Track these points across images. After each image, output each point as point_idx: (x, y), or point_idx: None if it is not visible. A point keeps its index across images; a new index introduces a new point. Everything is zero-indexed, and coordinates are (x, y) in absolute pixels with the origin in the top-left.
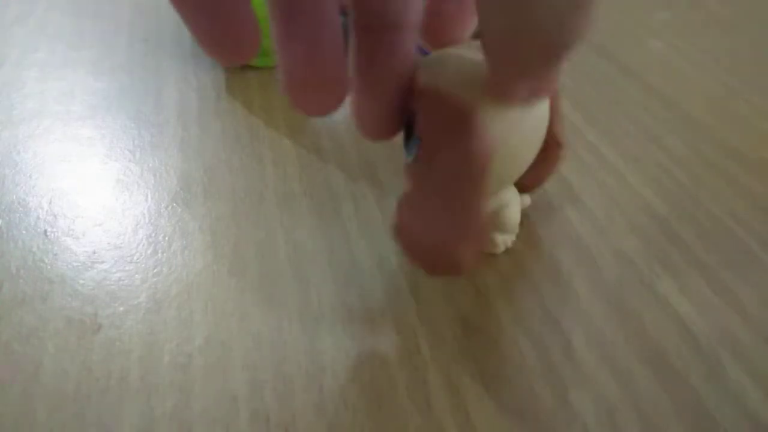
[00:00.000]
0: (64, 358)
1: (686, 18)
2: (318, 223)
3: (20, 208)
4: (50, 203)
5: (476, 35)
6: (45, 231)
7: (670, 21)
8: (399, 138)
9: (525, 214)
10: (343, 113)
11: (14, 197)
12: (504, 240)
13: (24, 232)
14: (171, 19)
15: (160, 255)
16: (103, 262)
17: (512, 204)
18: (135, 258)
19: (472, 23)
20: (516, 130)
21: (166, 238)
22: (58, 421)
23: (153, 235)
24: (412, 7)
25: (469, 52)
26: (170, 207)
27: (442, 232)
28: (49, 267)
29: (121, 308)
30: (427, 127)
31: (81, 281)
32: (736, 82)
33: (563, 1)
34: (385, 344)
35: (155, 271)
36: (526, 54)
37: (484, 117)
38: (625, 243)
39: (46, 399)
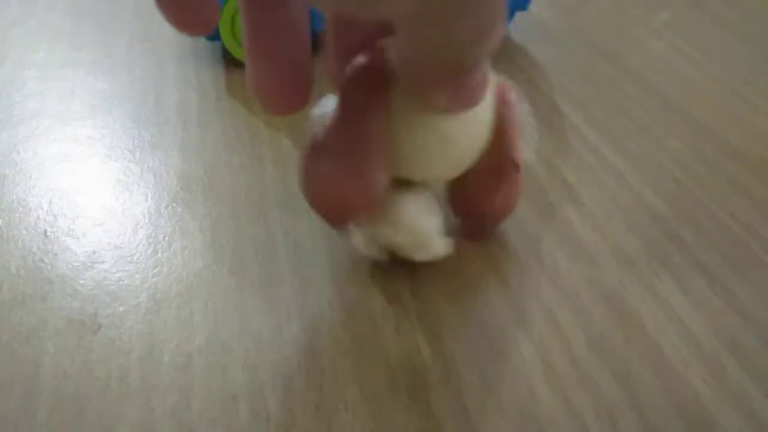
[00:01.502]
0: (64, 358)
1: (687, 18)
2: (318, 223)
3: (20, 208)
4: (50, 203)
5: None
6: (45, 231)
7: (670, 21)
8: None
9: (525, 213)
10: None
11: (14, 197)
12: (388, 238)
13: (24, 232)
14: None
15: (160, 255)
16: (103, 262)
17: (411, 204)
18: (135, 258)
19: None
20: (449, 124)
21: (166, 238)
22: (58, 421)
23: (153, 235)
24: None
25: None
26: (170, 207)
27: (343, 157)
28: (49, 267)
29: (121, 308)
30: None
31: (81, 281)
32: (736, 82)
33: (482, 20)
34: (385, 344)
35: (155, 271)
36: (441, 68)
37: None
38: (625, 243)
39: (46, 399)
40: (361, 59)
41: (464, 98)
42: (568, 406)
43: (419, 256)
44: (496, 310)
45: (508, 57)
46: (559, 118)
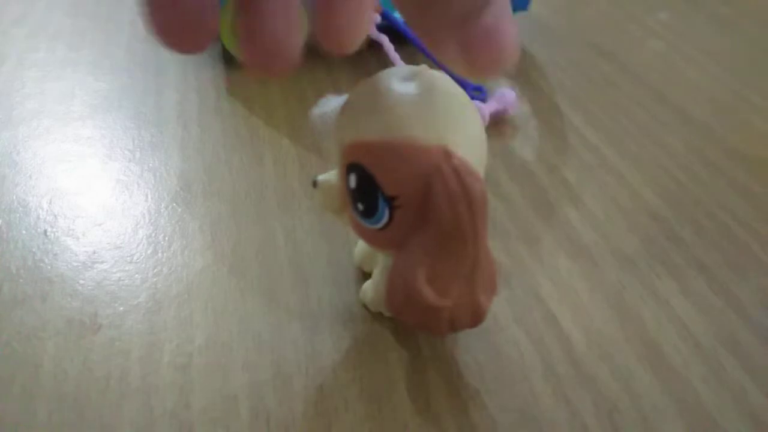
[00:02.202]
0: (64, 358)
1: (686, 18)
2: (318, 223)
3: (20, 208)
4: (50, 203)
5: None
6: (45, 231)
7: (669, 21)
8: None
9: (525, 213)
10: None
11: (14, 197)
12: None
13: (24, 232)
14: None
15: (160, 255)
16: (103, 262)
17: None
18: (135, 258)
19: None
20: (479, 154)
21: (166, 238)
22: (58, 421)
23: (153, 235)
24: None
25: (391, 83)
26: (170, 207)
27: (458, 287)
28: (49, 267)
29: (121, 308)
30: (399, 185)
31: (81, 281)
32: (736, 82)
33: None
34: (385, 344)
35: (155, 271)
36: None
37: (462, 154)
38: (625, 243)
39: (46, 399)
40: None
41: (481, 46)
42: (568, 405)
43: None
44: (496, 310)
45: None
46: (559, 119)
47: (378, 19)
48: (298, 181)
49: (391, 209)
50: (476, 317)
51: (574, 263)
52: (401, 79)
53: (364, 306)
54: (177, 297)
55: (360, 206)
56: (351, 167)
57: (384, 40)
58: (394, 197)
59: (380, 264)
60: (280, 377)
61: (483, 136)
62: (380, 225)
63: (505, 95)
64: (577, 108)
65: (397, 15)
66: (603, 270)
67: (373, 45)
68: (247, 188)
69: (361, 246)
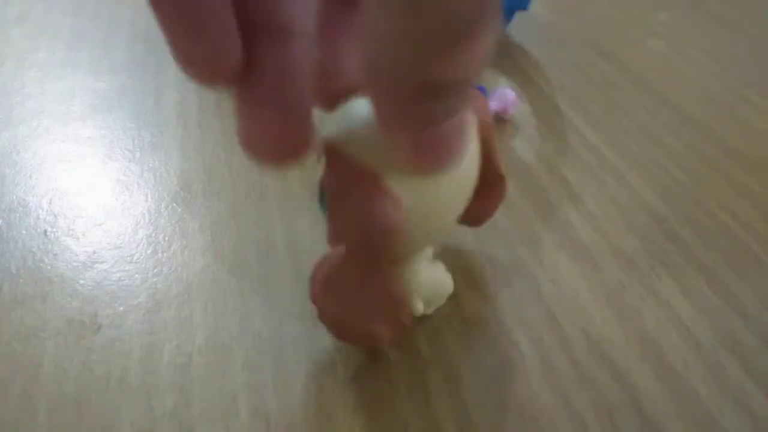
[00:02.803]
0: (64, 358)
1: (686, 18)
2: (318, 223)
3: (20, 208)
4: (50, 203)
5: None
6: (45, 231)
7: (670, 21)
8: None
9: (525, 213)
10: None
11: (14, 197)
12: (417, 307)
13: (24, 232)
14: None
15: (160, 255)
16: (103, 262)
17: (424, 272)
18: (135, 258)
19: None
20: (430, 190)
21: (166, 238)
22: (58, 421)
23: (153, 235)
24: (305, 12)
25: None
26: (170, 207)
27: (351, 305)
28: (49, 267)
29: (121, 308)
30: (332, 187)
31: (81, 281)
32: (736, 82)
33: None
34: (385, 345)
35: (155, 271)
36: (410, 88)
37: (391, 182)
38: (625, 243)
39: (46, 399)
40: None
41: (435, 149)
42: (568, 406)
43: (438, 304)
44: (497, 310)
45: (508, 57)
46: (559, 118)
47: None
48: (299, 181)
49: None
50: (368, 338)
51: (574, 263)
52: None
53: None
54: (177, 297)
55: (318, 196)
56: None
57: None
58: (323, 190)
59: None
60: (280, 377)
61: (453, 190)
62: (325, 218)
63: (505, 95)
64: (577, 108)
65: None
66: (603, 270)
67: None
68: (247, 188)
69: None
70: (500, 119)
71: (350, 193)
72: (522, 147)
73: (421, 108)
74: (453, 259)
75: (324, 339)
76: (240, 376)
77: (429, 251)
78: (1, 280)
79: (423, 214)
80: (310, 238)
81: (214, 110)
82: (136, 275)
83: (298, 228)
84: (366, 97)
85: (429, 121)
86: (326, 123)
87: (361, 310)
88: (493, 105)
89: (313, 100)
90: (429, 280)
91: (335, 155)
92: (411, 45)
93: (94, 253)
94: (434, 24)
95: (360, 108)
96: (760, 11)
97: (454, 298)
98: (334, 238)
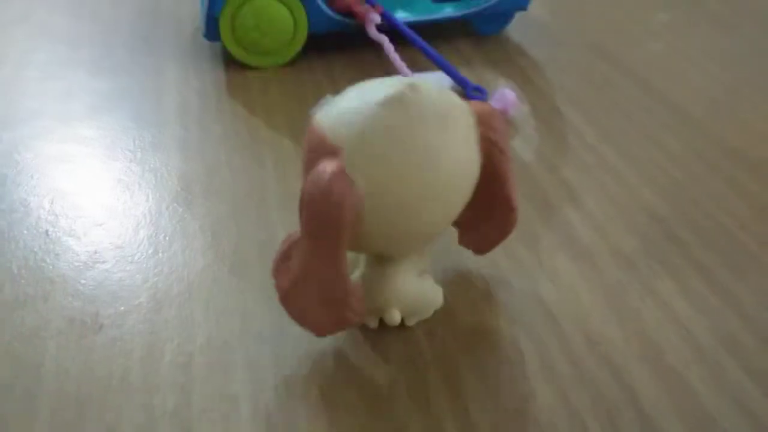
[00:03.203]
0: (66, 358)
1: (686, 18)
2: None
3: (21, 208)
4: (51, 203)
5: None
6: (46, 231)
7: (670, 21)
8: None
9: (525, 213)
10: None
11: (15, 197)
12: (392, 316)
13: (25, 232)
14: (171, 19)
15: (161, 255)
16: (104, 262)
17: (409, 282)
18: (136, 258)
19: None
20: (398, 179)
21: (167, 238)
22: (60, 421)
23: (154, 235)
24: None
25: (367, 94)
26: (171, 207)
27: (302, 283)
28: (50, 267)
29: (123, 308)
30: (303, 160)
31: (82, 281)
32: (735, 82)
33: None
34: (385, 344)
35: (156, 270)
36: None
37: (349, 156)
38: (625, 243)
39: (48, 398)
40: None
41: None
42: (568, 406)
43: (422, 316)
44: (496, 310)
45: (508, 57)
46: (559, 119)
47: (378, 19)
48: (299, 181)
49: None
50: (308, 325)
51: (574, 263)
52: (380, 98)
53: None
54: (178, 296)
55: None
56: None
57: (384, 40)
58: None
59: (359, 272)
60: (281, 377)
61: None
62: None
63: (505, 95)
64: (576, 108)
65: (397, 15)
66: (602, 270)
67: (373, 45)
68: (247, 189)
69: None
70: None
71: (312, 164)
72: (521, 147)
73: None
74: (453, 258)
75: (324, 339)
76: (241, 376)
77: (422, 263)
78: (2, 280)
79: (393, 209)
80: None
81: (215, 111)
82: (137, 275)
83: (298, 228)
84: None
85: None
86: (327, 102)
87: (305, 290)
88: (493, 105)
89: None
90: (413, 291)
91: (312, 127)
92: None
93: (96, 253)
94: None
95: (356, 95)
96: (760, 11)
97: (454, 298)
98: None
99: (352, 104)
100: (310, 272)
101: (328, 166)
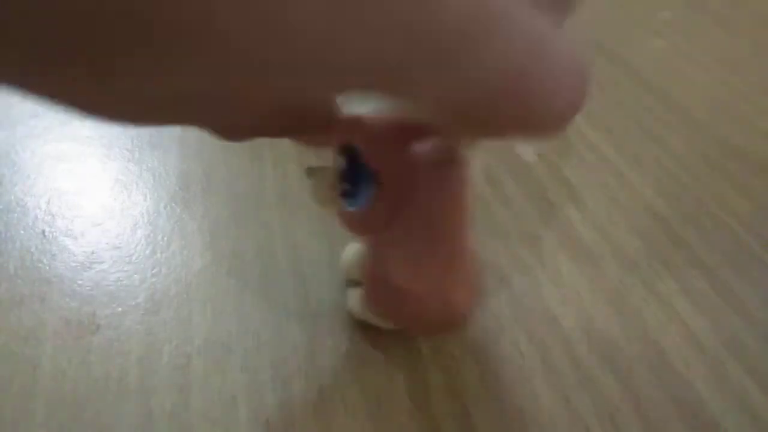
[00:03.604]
0: (63, 359)
1: (688, 17)
2: (318, 223)
3: (18, 208)
4: (48, 203)
5: None
6: (43, 231)
7: (671, 20)
8: None
9: (526, 213)
10: None
11: (12, 197)
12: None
13: (22, 232)
14: None
15: (158, 255)
16: (101, 263)
17: None
18: (134, 258)
19: None
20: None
21: (165, 238)
22: (57, 422)
23: (152, 235)
24: None
25: None
26: (169, 207)
27: (435, 277)
28: (47, 267)
29: (120, 309)
30: (385, 163)
31: (79, 281)
32: (737, 81)
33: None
34: (385, 344)
35: (154, 271)
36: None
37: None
38: (627, 243)
39: (45, 399)
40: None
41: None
42: (569, 406)
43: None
44: (497, 310)
45: None
46: None
47: None
48: (298, 181)
49: (377, 188)
50: (449, 316)
51: (575, 263)
52: None
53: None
54: (176, 297)
55: (346, 186)
56: (342, 149)
57: None
58: (378, 173)
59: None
60: (280, 378)
61: None
62: (362, 206)
63: None
64: None
65: None
66: (604, 270)
67: None
68: (246, 188)
69: (348, 253)
70: None
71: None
72: (523, 146)
73: None
74: None
75: (323, 339)
76: (239, 377)
77: None
78: None
79: None
80: (309, 239)
81: None
82: (135, 275)
83: (297, 228)
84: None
85: None
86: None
87: (446, 279)
88: None
89: None
90: None
91: (389, 127)
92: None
93: (93, 253)
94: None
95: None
96: (762, 11)
97: None
98: (384, 218)
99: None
100: (455, 270)
101: (447, 151)
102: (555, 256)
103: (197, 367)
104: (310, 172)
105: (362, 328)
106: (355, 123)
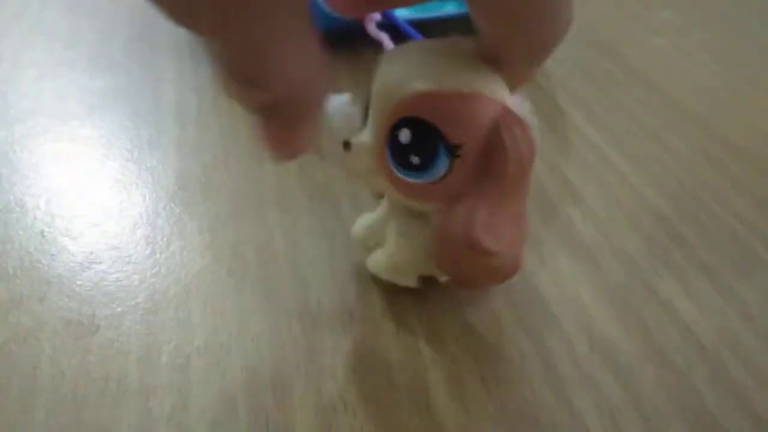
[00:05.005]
0: (62, 360)
1: (689, 16)
2: (317, 223)
3: (17, 208)
4: (47, 203)
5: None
6: (42, 231)
7: (672, 19)
8: None
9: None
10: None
11: (11, 197)
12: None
13: (21, 232)
14: None
15: (158, 255)
16: (100, 263)
17: None
18: (133, 258)
19: None
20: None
21: (164, 239)
22: (56, 423)
23: (151, 235)
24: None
25: (434, 44)
26: (168, 207)
27: (513, 235)
28: (46, 267)
29: (119, 309)
30: (465, 134)
31: (79, 282)
32: (739, 80)
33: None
34: (385, 344)
35: (153, 271)
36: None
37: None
38: (628, 243)
39: (44, 400)
40: None
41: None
42: (570, 407)
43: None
44: (497, 310)
45: None
46: (561, 117)
47: (378, 16)
48: (298, 181)
49: (453, 159)
50: (515, 266)
51: (576, 263)
52: (441, 44)
53: (374, 278)
54: (175, 297)
55: (415, 160)
56: (403, 122)
57: (384, 38)
58: (458, 146)
59: (393, 232)
60: (279, 378)
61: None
62: (435, 177)
63: None
64: (579, 107)
65: (398, 13)
66: (605, 270)
67: (373, 43)
68: (245, 188)
69: (363, 222)
70: None
71: (486, 131)
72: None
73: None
74: None
75: (323, 340)
76: (239, 378)
77: None
78: None
79: None
80: (310, 239)
81: (213, 109)
82: (134, 276)
83: (297, 228)
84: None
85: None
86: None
87: (519, 235)
88: None
89: None
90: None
91: (455, 99)
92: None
93: (92, 253)
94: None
95: (420, 50)
96: (763, 9)
97: (454, 298)
98: (460, 187)
99: (454, 53)
100: (521, 224)
101: (519, 116)
102: (556, 256)
103: (197, 367)
104: (349, 146)
105: (363, 328)
106: (424, 98)
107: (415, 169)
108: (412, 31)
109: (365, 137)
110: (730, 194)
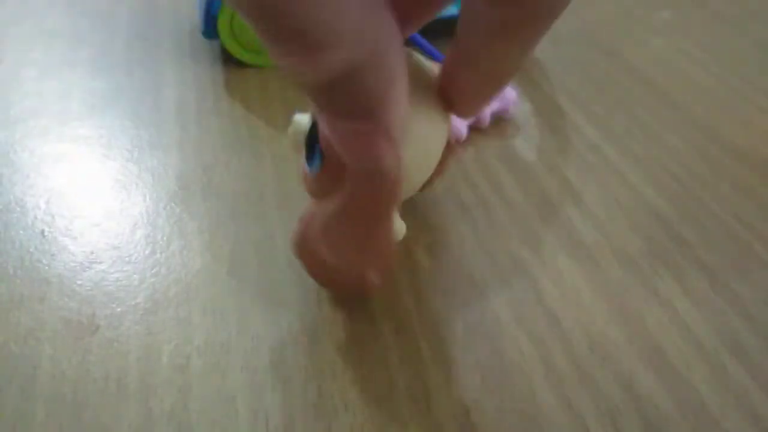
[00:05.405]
0: (62, 360)
1: (689, 16)
2: None
3: (17, 208)
4: (48, 203)
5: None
6: (42, 231)
7: (672, 19)
8: None
9: (527, 213)
10: None
11: (11, 197)
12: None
13: (21, 232)
14: (169, 18)
15: (158, 255)
16: (101, 263)
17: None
18: (133, 258)
19: (489, 93)
20: (423, 144)
21: (165, 239)
22: (56, 423)
23: (151, 235)
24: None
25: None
26: (169, 207)
27: (348, 254)
28: (46, 267)
29: (119, 309)
30: (323, 142)
31: (79, 282)
32: (739, 80)
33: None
34: (385, 344)
35: (153, 271)
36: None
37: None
38: (627, 243)
39: (44, 400)
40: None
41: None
42: (569, 406)
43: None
44: (497, 310)
45: None
46: (561, 117)
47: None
48: (298, 181)
49: (323, 159)
50: (360, 287)
51: (576, 263)
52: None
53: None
54: (175, 297)
55: (308, 148)
56: (314, 115)
57: None
58: (322, 148)
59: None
60: (280, 378)
61: (432, 133)
62: (314, 172)
63: (506, 94)
64: (578, 107)
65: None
66: (604, 270)
67: None
68: (246, 188)
69: (301, 122)
70: (501, 118)
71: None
72: (523, 146)
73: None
74: (453, 259)
75: (323, 339)
76: (239, 377)
77: None
78: None
79: (415, 166)
80: None
81: (213, 110)
82: (134, 276)
83: None
84: None
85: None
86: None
87: (359, 258)
88: (494, 104)
89: None
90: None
91: None
92: None
93: (92, 253)
94: None
95: None
96: (763, 9)
97: (454, 298)
98: (325, 193)
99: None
100: (369, 243)
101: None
102: (555, 256)
103: (197, 367)
104: (292, 122)
105: (363, 328)
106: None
107: (306, 158)
108: (436, 51)
109: (307, 119)
110: (729, 194)
